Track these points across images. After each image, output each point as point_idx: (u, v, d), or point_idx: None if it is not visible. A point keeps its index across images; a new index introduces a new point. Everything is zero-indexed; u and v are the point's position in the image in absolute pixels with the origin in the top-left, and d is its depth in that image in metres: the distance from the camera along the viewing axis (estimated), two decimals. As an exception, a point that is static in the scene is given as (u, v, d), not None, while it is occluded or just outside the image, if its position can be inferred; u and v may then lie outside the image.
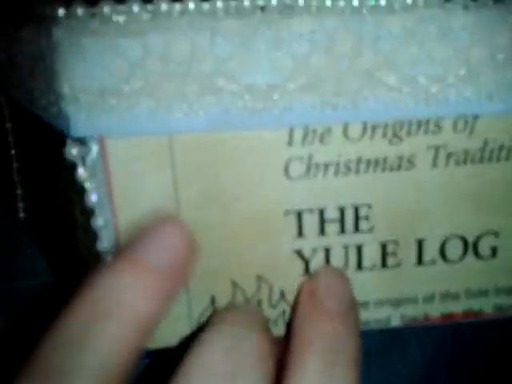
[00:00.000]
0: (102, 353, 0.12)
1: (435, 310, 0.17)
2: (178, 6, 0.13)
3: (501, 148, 0.16)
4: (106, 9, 0.13)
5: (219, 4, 0.13)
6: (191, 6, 0.13)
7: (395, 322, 0.17)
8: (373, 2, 0.13)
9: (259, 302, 0.16)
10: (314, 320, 0.15)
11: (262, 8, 0.13)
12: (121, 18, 0.13)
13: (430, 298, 0.17)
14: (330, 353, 0.14)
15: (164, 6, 0.13)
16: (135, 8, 0.13)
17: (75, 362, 0.12)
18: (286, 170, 0.15)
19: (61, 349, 0.12)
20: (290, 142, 0.15)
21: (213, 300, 0.16)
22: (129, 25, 0.13)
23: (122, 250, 0.14)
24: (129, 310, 0.13)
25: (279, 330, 0.17)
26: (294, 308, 0.16)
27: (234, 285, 0.16)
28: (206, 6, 0.13)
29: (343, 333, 0.15)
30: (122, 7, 0.13)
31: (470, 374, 0.36)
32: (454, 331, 0.40)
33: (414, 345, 0.40)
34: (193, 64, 0.14)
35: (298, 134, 0.15)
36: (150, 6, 0.13)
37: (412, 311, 0.17)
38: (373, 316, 0.17)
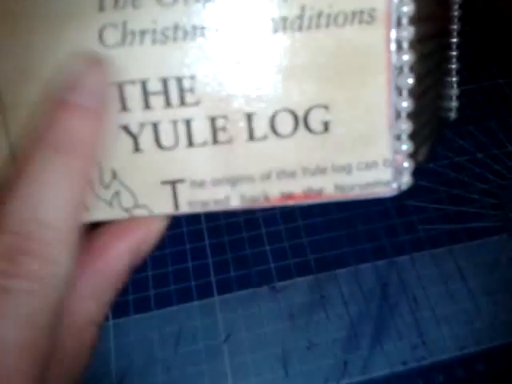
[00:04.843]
0: None
1: (274, 190, 0.17)
2: None
3: (319, 15, 0.16)
4: None
5: None
6: None
7: (235, 202, 0.17)
8: None
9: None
10: (50, 114, 0.15)
11: None
12: None
13: (266, 176, 0.17)
14: (61, 143, 0.14)
15: None
16: None
17: None
18: (101, 37, 0.15)
19: None
20: (101, 7, 0.15)
21: (42, 180, 0.16)
22: None
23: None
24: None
25: (115, 213, 0.17)
26: None
27: (63, 163, 0.16)
28: None
29: (82, 126, 0.15)
30: None
31: (397, 330, 0.36)
32: (381, 288, 0.40)
33: (340, 305, 0.40)
34: None
35: (108, -1, 0.15)
36: None
37: (250, 190, 0.17)
38: (211, 196, 0.17)
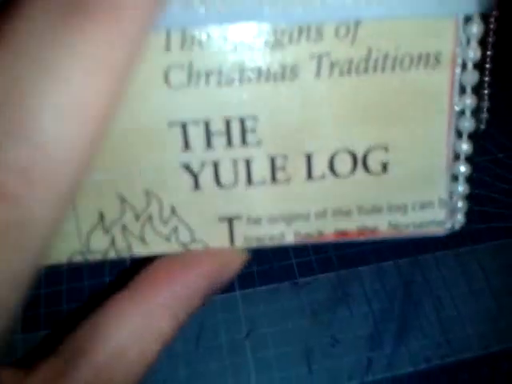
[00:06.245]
0: None
1: (329, 227, 0.17)
2: None
3: (385, 57, 0.15)
4: None
5: None
6: None
7: (289, 238, 0.17)
8: None
9: (150, 218, 0.16)
10: None
11: None
12: None
13: (322, 215, 0.17)
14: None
15: None
16: None
17: None
18: (166, 78, 0.15)
19: None
20: (167, 47, 0.15)
21: (101, 216, 0.16)
22: None
23: None
24: None
25: (171, 248, 0.17)
26: None
27: (123, 200, 0.16)
28: None
29: None
30: None
31: (420, 328, 0.37)
32: (405, 286, 0.40)
33: (364, 302, 0.40)
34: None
35: (176, 39, 0.15)
36: None
37: (305, 228, 0.17)
38: (266, 233, 0.17)
